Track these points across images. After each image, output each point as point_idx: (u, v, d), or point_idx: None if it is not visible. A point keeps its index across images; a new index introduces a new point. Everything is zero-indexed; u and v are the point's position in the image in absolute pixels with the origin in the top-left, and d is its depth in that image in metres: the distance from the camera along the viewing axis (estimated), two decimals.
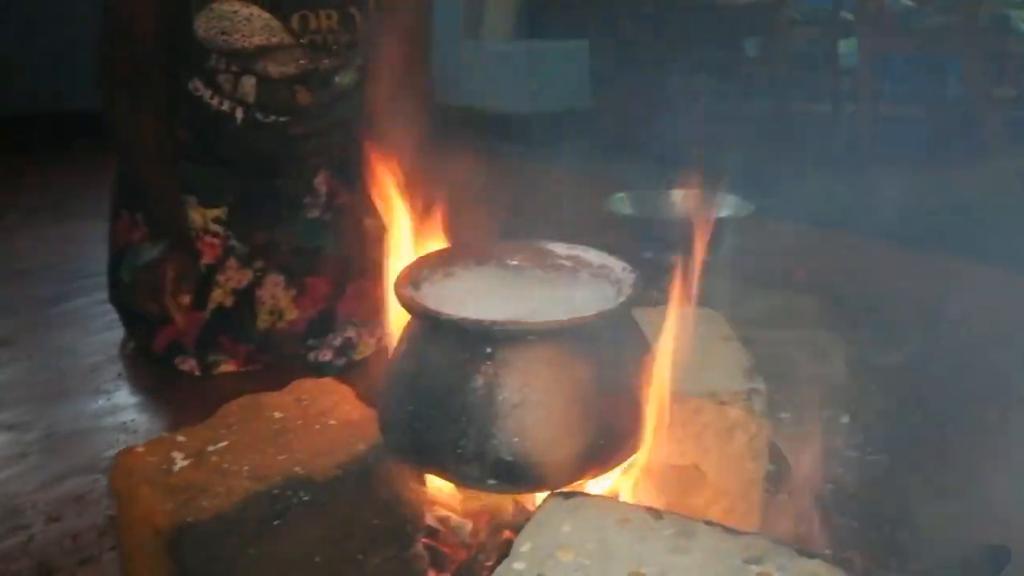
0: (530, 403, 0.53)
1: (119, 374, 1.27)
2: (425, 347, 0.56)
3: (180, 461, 0.62)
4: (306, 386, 0.73)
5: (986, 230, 2.02)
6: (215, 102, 1.19)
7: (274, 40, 1.12)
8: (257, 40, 1.12)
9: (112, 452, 1.04)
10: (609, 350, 0.56)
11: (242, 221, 1.30)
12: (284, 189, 1.33)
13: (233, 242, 1.28)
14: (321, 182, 1.33)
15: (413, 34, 1.21)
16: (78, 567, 0.83)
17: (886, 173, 2.74)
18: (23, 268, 1.80)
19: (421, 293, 0.60)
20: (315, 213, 1.33)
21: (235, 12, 1.09)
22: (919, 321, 1.30)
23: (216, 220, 1.30)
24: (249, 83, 1.18)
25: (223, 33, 1.11)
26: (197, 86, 1.19)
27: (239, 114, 1.20)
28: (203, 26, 1.11)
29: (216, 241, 1.28)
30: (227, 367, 1.24)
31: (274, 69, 1.17)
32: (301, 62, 1.17)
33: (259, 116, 1.21)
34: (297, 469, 0.61)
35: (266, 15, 1.09)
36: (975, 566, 0.76)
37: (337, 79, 1.21)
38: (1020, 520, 0.87)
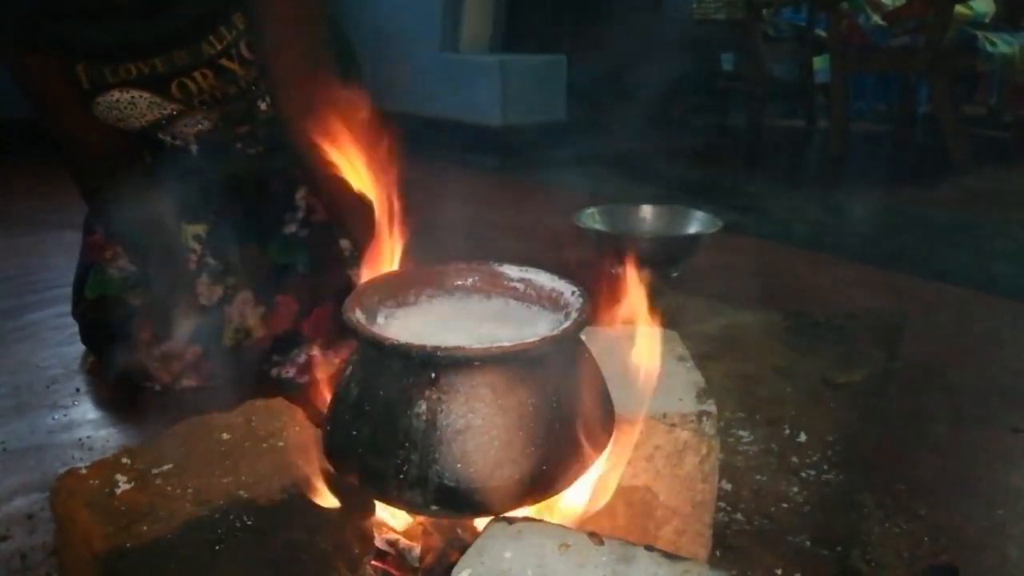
0: (473, 429, 0.53)
1: (77, 389, 1.25)
2: (370, 372, 0.56)
3: (123, 484, 0.61)
4: (256, 407, 0.72)
5: (949, 249, 2.06)
6: (168, 138, 1.18)
7: (167, 112, 1.11)
8: (150, 117, 1.10)
9: (66, 469, 1.03)
10: (555, 375, 0.56)
11: (221, 238, 1.31)
12: (266, 205, 1.33)
13: (208, 259, 1.29)
14: (301, 198, 1.34)
15: (305, 55, 1.10)
16: None
17: (854, 191, 2.78)
18: None
19: (369, 317, 0.60)
20: (292, 228, 1.33)
21: (117, 100, 1.07)
22: (880, 340, 1.32)
23: (195, 237, 1.30)
24: (181, 133, 1.18)
25: (119, 120, 1.10)
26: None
27: (193, 148, 1.20)
28: (100, 115, 1.09)
29: (192, 258, 1.28)
30: (189, 382, 1.22)
31: (189, 130, 1.16)
32: (208, 117, 1.15)
33: (210, 147, 1.20)
34: (242, 492, 0.60)
35: (147, 95, 1.08)
36: None
37: (263, 106, 1.18)
38: (970, 540, 0.89)
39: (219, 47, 1.04)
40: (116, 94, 1.05)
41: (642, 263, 1.78)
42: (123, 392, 1.22)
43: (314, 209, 1.34)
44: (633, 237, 1.78)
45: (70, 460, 1.05)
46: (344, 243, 1.34)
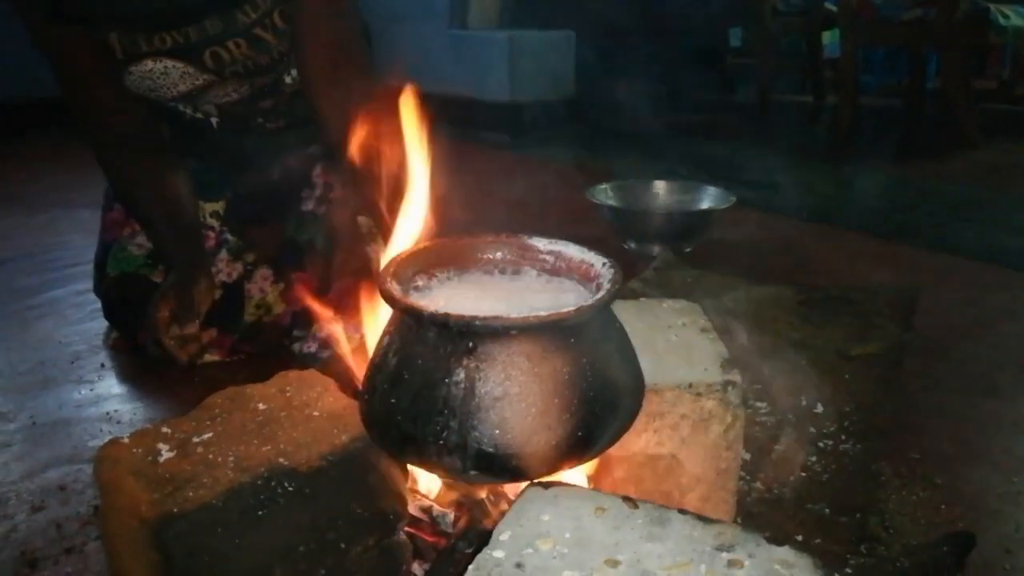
0: (511, 396, 0.54)
1: (102, 364, 1.27)
2: (408, 342, 0.57)
3: (165, 452, 0.62)
4: (290, 378, 0.74)
5: (960, 223, 2.06)
6: (189, 111, 1.19)
7: (199, 83, 1.11)
8: (182, 88, 1.10)
9: (95, 442, 1.05)
10: (588, 344, 0.57)
11: (239, 214, 1.31)
12: (283, 182, 1.34)
13: (226, 235, 1.30)
14: (318, 174, 1.34)
15: (334, 26, 1.13)
16: (62, 556, 0.83)
17: (865, 166, 2.78)
18: (0, 258, 1.78)
19: (405, 288, 0.61)
20: (309, 206, 1.33)
21: (150, 70, 1.07)
22: (894, 313, 1.33)
23: (213, 214, 1.31)
24: (206, 104, 1.19)
25: (150, 90, 1.10)
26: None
27: (214, 121, 1.20)
28: (131, 86, 1.09)
29: (211, 234, 1.29)
30: (211, 357, 1.24)
31: (216, 99, 1.16)
32: (237, 89, 1.16)
33: (232, 122, 1.21)
34: (281, 460, 0.62)
35: (180, 64, 1.07)
36: (940, 551, 0.78)
37: (288, 79, 1.19)
38: (986, 507, 0.90)
39: (253, 16, 1.04)
40: (149, 63, 1.06)
41: (655, 238, 1.80)
42: (148, 367, 1.24)
43: (331, 186, 1.35)
44: (646, 213, 1.79)
45: (99, 433, 1.07)
46: (362, 219, 1.35)
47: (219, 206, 1.32)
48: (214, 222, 1.31)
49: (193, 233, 1.21)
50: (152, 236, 1.24)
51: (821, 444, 1.00)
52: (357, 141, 0.77)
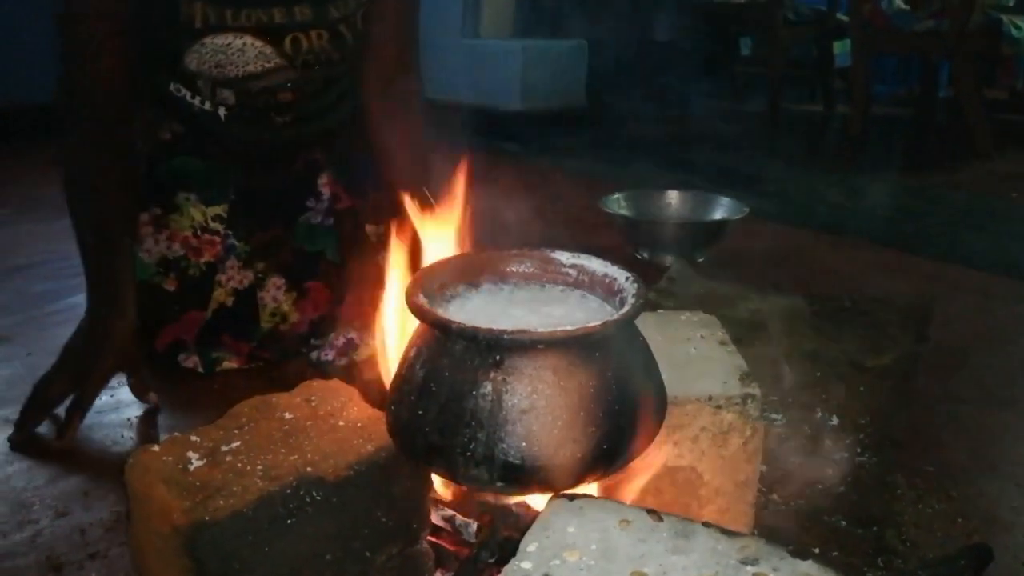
0: (537, 409, 0.55)
1: None
2: (436, 354, 0.58)
3: (195, 461, 0.64)
4: (314, 387, 0.75)
5: (971, 233, 2.06)
6: (197, 101, 1.19)
7: (268, 66, 1.11)
8: (251, 68, 1.11)
9: (117, 448, 1.06)
10: (613, 358, 0.58)
11: (243, 220, 1.32)
12: (287, 187, 1.35)
13: (232, 241, 1.30)
14: (324, 184, 1.35)
15: (401, 37, 1.20)
16: (87, 561, 0.84)
17: (875, 175, 2.78)
18: (18, 264, 1.80)
19: (431, 301, 0.62)
20: (317, 219, 1.34)
21: (228, 44, 1.07)
22: (907, 324, 1.33)
23: (216, 218, 1.31)
24: (227, 91, 1.19)
25: (217, 66, 1.09)
26: (179, 87, 1.20)
27: (222, 112, 1.21)
28: (195, 61, 1.08)
29: (216, 239, 1.29)
30: (229, 364, 1.25)
31: (258, 86, 1.17)
32: (290, 81, 1.17)
33: (243, 112, 1.22)
34: (309, 469, 0.63)
35: (259, 43, 1.08)
36: (958, 564, 0.79)
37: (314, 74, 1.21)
38: (1002, 520, 0.90)
39: (344, 11, 1.06)
40: (229, 37, 1.06)
41: (668, 248, 1.80)
42: (167, 373, 1.25)
43: (339, 196, 1.35)
44: (659, 223, 1.79)
45: (120, 439, 1.09)
46: (370, 228, 1.36)
47: (221, 209, 1.31)
48: (217, 226, 1.30)
49: (121, 268, 1.16)
50: (82, 252, 1.20)
51: (836, 456, 1.00)
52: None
